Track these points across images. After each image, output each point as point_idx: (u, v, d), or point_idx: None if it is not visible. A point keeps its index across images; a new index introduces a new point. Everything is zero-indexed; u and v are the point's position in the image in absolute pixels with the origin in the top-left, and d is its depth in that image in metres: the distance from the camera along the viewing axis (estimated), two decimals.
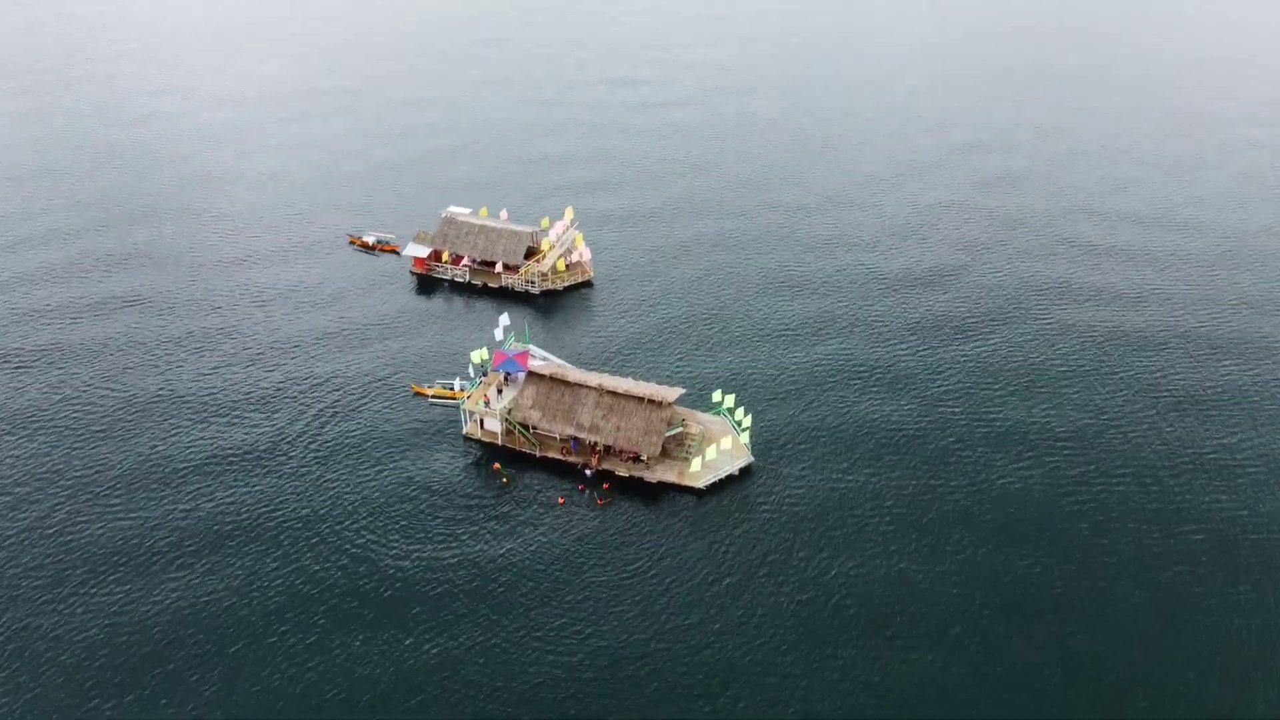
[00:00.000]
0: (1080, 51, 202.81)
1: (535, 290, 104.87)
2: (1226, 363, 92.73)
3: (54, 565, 66.77)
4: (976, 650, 61.37)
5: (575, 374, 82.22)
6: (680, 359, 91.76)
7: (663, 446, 78.60)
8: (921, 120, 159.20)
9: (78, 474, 75.44)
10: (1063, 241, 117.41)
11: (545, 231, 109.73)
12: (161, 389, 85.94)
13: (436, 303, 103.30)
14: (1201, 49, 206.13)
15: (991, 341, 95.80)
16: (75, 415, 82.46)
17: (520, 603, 64.68)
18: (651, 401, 78.81)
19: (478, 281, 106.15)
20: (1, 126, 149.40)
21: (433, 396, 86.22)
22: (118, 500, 72.77)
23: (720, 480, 76.50)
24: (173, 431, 79.99)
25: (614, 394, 79.79)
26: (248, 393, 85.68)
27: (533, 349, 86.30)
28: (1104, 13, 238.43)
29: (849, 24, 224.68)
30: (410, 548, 68.99)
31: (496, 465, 78.33)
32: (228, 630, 61.84)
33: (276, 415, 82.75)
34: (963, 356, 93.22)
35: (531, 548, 69.43)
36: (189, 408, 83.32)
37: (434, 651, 60.83)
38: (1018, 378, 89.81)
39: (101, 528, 70.07)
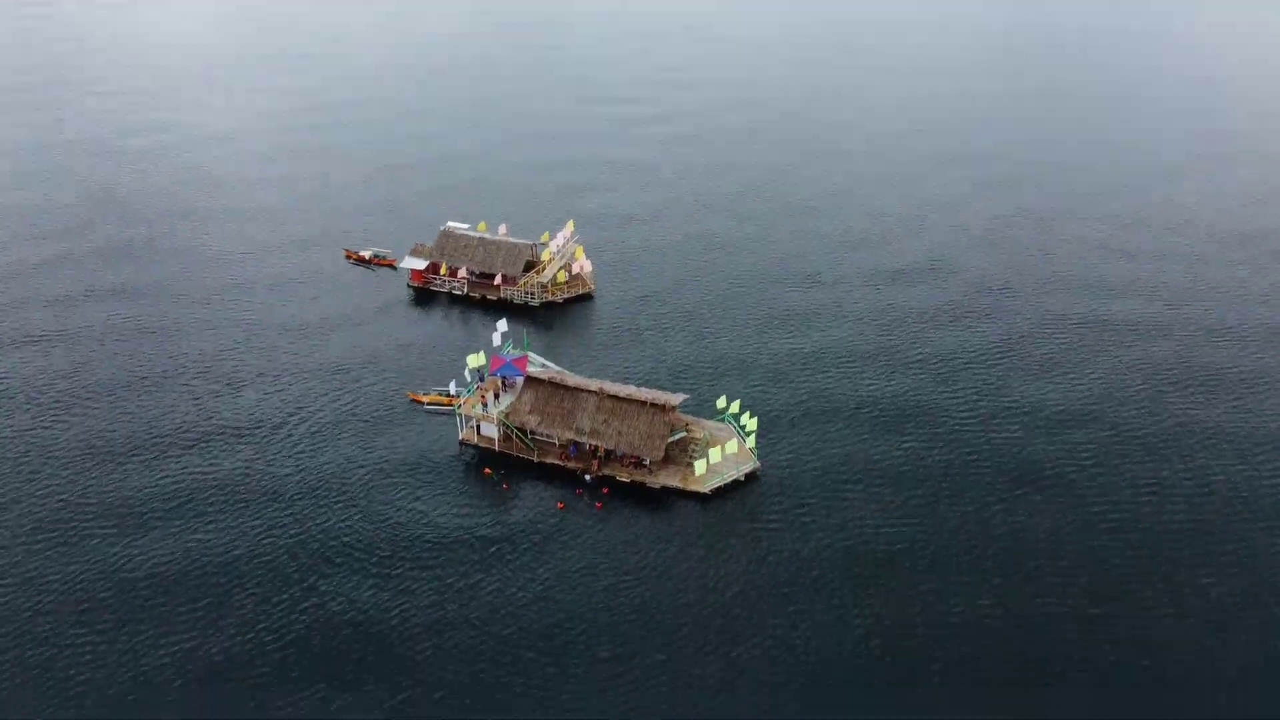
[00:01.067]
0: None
1: (535, 302, 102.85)
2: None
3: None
4: (1007, 687, 57.94)
5: (575, 379, 79.77)
6: (684, 370, 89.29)
7: (666, 452, 75.82)
8: (926, 126, 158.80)
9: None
10: (1069, 239, 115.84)
11: (545, 245, 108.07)
12: (155, 415, 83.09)
13: (434, 315, 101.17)
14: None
15: (1008, 359, 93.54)
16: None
17: (517, 609, 61.44)
18: (654, 405, 76.22)
19: (476, 294, 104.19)
20: None
21: (428, 404, 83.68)
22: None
23: (726, 485, 73.64)
24: (162, 457, 76.82)
25: (615, 398, 77.22)
26: (240, 409, 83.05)
27: (531, 355, 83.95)
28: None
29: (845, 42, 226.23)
30: (402, 554, 65.86)
31: (487, 470, 75.51)
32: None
33: (269, 426, 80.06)
34: (980, 373, 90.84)
35: (531, 553, 66.30)
36: (180, 431, 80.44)
37: (427, 649, 57.59)
38: (1048, 403, 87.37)
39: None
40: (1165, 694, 55.87)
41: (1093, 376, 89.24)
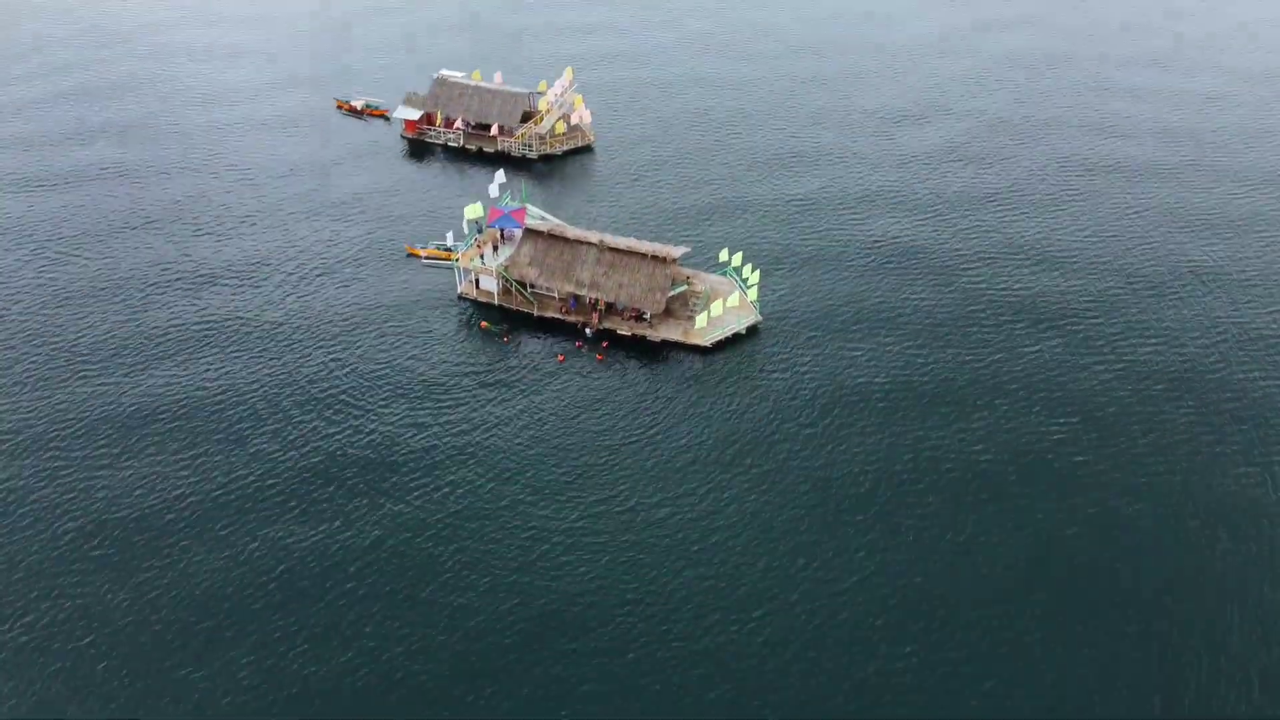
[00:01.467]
0: None
1: (533, 155, 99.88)
2: None
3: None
4: (1008, 517, 58.89)
5: (574, 231, 78.22)
6: (685, 225, 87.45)
7: (667, 305, 75.17)
8: None
9: (56, 340, 72.42)
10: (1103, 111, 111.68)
11: (542, 95, 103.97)
12: (143, 260, 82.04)
13: (429, 167, 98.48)
14: None
15: (1018, 214, 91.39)
16: (51, 283, 79.08)
17: (517, 462, 62.24)
18: (655, 258, 75.01)
19: (472, 146, 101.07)
20: None
21: (426, 257, 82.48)
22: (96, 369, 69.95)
23: (726, 338, 73.37)
24: (155, 304, 76.21)
25: (616, 250, 75.93)
26: (232, 260, 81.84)
27: (530, 208, 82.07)
28: None
29: None
30: (403, 409, 66.22)
31: (484, 324, 75.14)
32: (206, 508, 59.60)
33: (265, 281, 79.06)
34: (984, 226, 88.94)
35: (531, 406, 66.64)
36: (173, 277, 79.62)
37: (423, 481, 58.76)
38: (1041, 249, 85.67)
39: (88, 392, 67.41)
40: (1151, 501, 57.26)
41: (1099, 217, 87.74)
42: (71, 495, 58.36)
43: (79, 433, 62.97)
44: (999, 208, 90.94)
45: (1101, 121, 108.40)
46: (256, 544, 55.35)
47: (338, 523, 56.82)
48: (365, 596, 52.43)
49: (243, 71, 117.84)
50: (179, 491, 58.73)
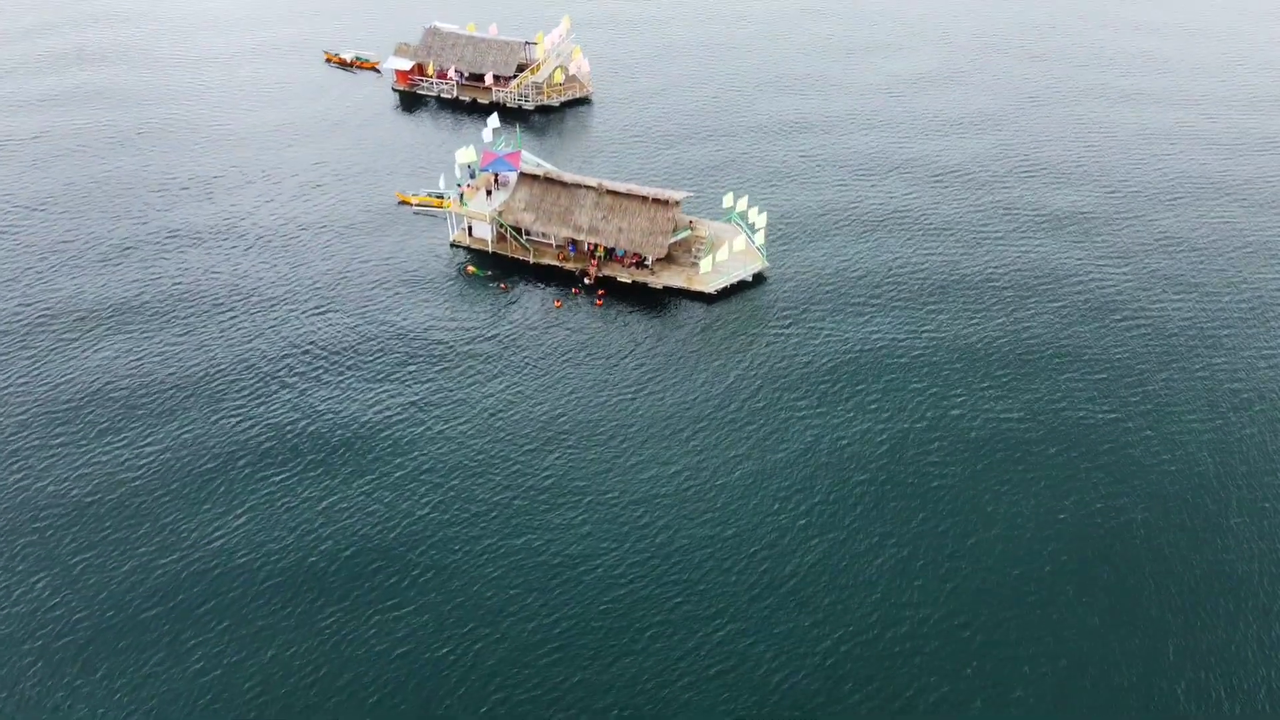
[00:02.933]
0: None
1: (529, 105, 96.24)
2: None
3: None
4: (1037, 482, 55.61)
5: (572, 175, 74.65)
6: (689, 177, 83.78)
7: (669, 251, 71.71)
8: None
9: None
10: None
11: (538, 46, 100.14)
12: (123, 224, 78.44)
13: (421, 118, 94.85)
14: None
15: (1036, 183, 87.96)
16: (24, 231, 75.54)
17: (512, 401, 58.93)
18: (656, 201, 71.50)
19: (466, 97, 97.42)
20: None
21: (417, 204, 78.99)
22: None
23: (732, 286, 70.00)
24: (138, 264, 72.78)
25: (615, 194, 72.43)
26: (218, 213, 78.35)
27: (525, 154, 78.50)
28: None
29: None
30: (391, 353, 62.85)
31: (470, 268, 71.72)
32: (194, 470, 56.25)
33: (251, 233, 75.56)
34: (1016, 198, 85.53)
35: (527, 359, 63.23)
36: (159, 238, 76.10)
37: (412, 432, 55.42)
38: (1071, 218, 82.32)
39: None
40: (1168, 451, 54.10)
41: (1120, 182, 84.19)
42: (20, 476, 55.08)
43: (38, 409, 59.61)
44: (1021, 175, 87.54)
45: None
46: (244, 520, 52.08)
47: (322, 498, 53.51)
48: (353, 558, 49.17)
49: (228, 21, 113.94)
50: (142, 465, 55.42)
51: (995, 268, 71.98)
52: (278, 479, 52.50)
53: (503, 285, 70.38)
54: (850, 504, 51.74)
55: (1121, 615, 46.04)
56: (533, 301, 68.82)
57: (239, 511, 50.39)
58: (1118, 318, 66.64)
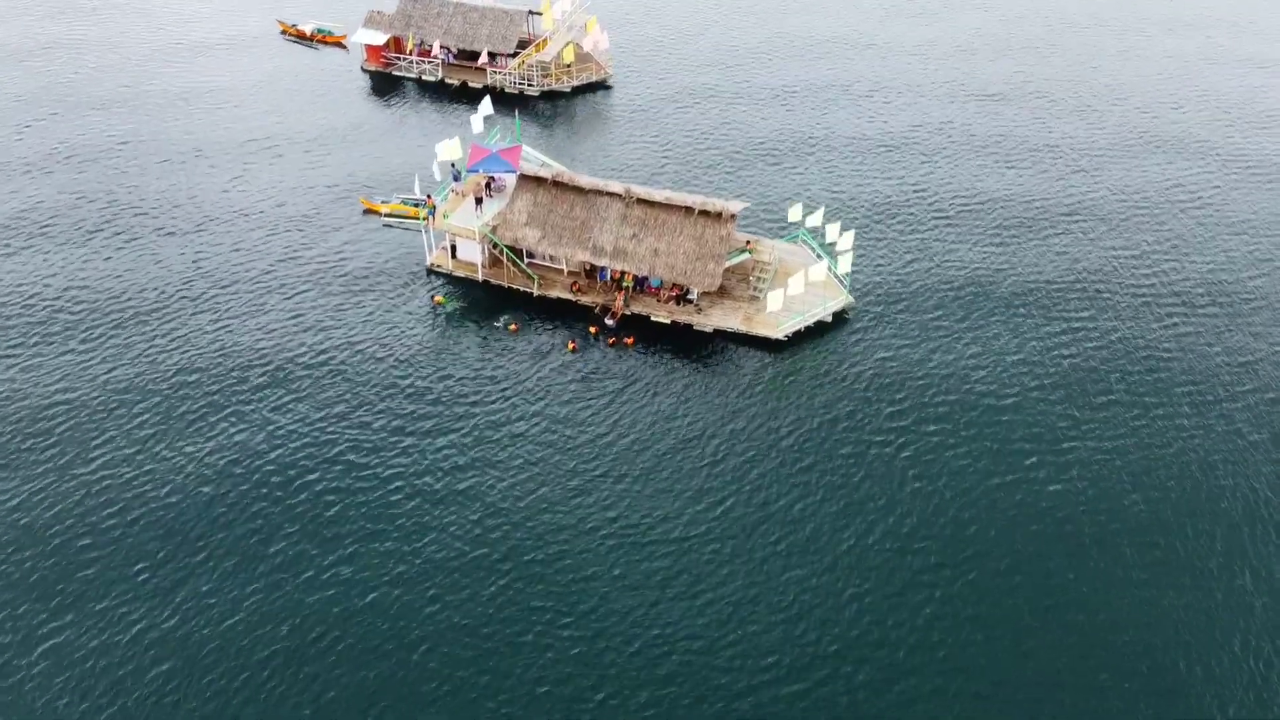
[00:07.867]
0: None
1: (533, 90, 77.69)
2: None
3: None
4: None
5: (589, 179, 56.15)
6: (738, 182, 65.45)
7: (722, 281, 53.29)
8: None
9: None
10: None
11: (544, 16, 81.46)
12: (39, 205, 60.24)
13: (397, 106, 76.14)
14: None
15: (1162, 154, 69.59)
16: None
17: (523, 499, 40.78)
18: (705, 214, 53.05)
19: (453, 79, 78.81)
20: None
21: (387, 214, 60.65)
22: None
23: (807, 328, 51.72)
24: (74, 267, 54.72)
25: (649, 204, 53.96)
26: (152, 214, 60.21)
27: (527, 150, 60.17)
28: None
29: None
30: (342, 428, 44.66)
31: (438, 298, 53.72)
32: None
33: (186, 249, 57.35)
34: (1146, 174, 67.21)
35: (528, 430, 45.10)
36: (86, 233, 57.94)
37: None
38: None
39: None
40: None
41: None
42: None
43: None
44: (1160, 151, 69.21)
45: None
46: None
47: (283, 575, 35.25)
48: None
49: None
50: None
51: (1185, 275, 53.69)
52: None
53: (513, 326, 52.14)
54: None
55: None
56: (534, 352, 50.41)
57: None
58: None
